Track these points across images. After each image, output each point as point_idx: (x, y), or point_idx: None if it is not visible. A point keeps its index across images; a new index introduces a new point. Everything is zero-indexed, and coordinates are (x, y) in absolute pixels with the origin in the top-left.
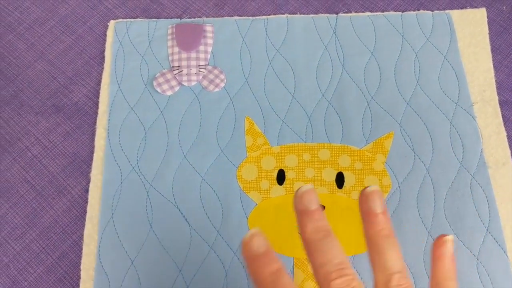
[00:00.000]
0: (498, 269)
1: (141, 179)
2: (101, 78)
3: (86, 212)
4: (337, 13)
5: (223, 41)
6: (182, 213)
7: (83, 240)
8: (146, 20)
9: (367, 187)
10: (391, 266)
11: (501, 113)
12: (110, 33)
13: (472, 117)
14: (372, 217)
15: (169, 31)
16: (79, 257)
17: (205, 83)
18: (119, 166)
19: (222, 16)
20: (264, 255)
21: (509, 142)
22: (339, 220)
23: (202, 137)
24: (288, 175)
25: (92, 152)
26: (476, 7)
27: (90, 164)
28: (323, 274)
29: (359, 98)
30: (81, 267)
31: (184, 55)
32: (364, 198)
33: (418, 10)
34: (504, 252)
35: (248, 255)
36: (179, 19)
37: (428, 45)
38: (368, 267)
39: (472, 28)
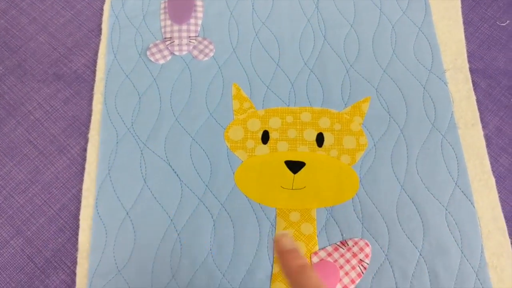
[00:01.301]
0: (466, 219)
1: (135, 139)
2: (98, 49)
3: (84, 169)
4: None
5: (213, 14)
6: (173, 169)
7: (82, 193)
8: None
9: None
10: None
11: (472, 80)
12: (107, 8)
13: (444, 82)
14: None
15: (162, 6)
16: (78, 209)
17: (195, 52)
18: (115, 128)
19: None
20: (292, 251)
21: (478, 105)
22: (319, 175)
23: (193, 102)
24: (272, 135)
25: (90, 116)
26: None
27: (88, 126)
28: None
29: (339, 66)
30: (80, 217)
31: (175, 27)
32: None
33: None
34: (471, 203)
35: (279, 250)
36: None
37: (404, 18)
38: (344, 217)
39: (446, 3)
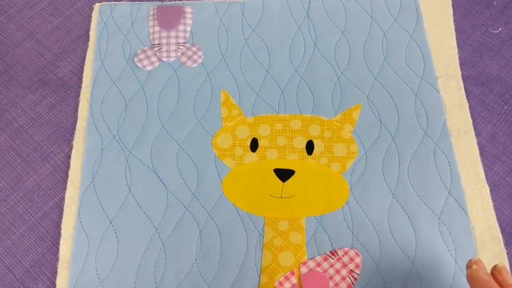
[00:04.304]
0: (460, 229)
1: (121, 146)
2: (85, 56)
3: (68, 176)
4: None
5: (202, 21)
6: (159, 177)
7: (64, 201)
8: (129, 2)
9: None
10: None
11: (464, 87)
12: (95, 14)
13: (436, 90)
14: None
15: (151, 12)
16: (60, 217)
17: (183, 59)
18: (100, 135)
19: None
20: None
21: (471, 113)
22: (309, 183)
23: (180, 109)
24: (261, 143)
25: (75, 122)
26: None
27: (73, 133)
28: None
29: (330, 73)
30: (62, 226)
31: (164, 34)
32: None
33: None
34: (465, 212)
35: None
36: (160, 2)
37: (395, 25)
38: (334, 226)
39: (437, 10)
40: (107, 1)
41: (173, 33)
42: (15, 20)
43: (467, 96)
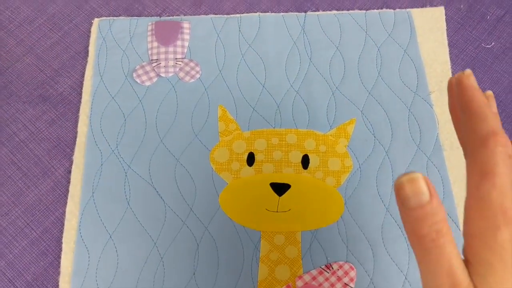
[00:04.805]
0: None
1: (120, 161)
2: (85, 71)
3: (68, 191)
4: (305, 12)
5: (199, 37)
6: (157, 192)
7: (65, 216)
8: (128, 18)
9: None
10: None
11: None
12: (94, 29)
13: (429, 104)
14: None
15: (149, 28)
16: (61, 231)
17: (181, 74)
18: (100, 150)
19: (199, 15)
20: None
21: None
22: (304, 197)
23: (178, 124)
24: (258, 157)
25: (75, 137)
26: (435, 5)
27: (73, 148)
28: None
29: (325, 88)
30: (63, 240)
31: (162, 49)
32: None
33: (381, 9)
34: (457, 227)
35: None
36: (158, 17)
37: (389, 40)
38: (329, 240)
39: (431, 25)
40: (106, 17)
41: (171, 49)
42: (14, 35)
43: None
